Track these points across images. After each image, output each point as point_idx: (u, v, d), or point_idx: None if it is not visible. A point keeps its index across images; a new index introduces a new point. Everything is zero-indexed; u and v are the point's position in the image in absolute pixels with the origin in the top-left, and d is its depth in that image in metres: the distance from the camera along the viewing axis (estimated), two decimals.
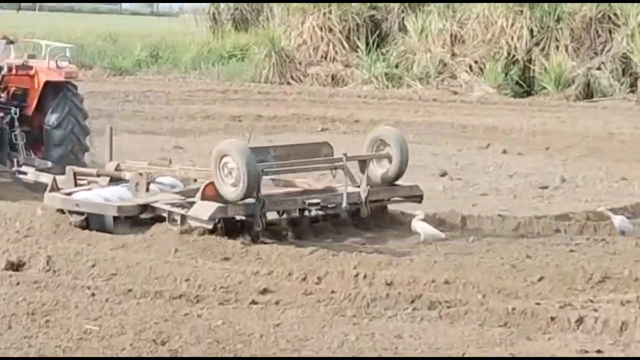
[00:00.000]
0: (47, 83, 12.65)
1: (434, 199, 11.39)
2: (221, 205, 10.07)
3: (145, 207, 10.40)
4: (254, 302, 7.62)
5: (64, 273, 8.33)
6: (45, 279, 8.10)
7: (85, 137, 13.05)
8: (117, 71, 30.10)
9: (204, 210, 9.98)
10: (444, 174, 13.81)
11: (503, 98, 27.08)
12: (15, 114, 12.65)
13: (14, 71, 12.84)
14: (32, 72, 12.85)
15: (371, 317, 7.39)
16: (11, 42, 13.65)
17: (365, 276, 8.35)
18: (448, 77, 28.61)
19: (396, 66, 28.98)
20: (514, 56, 28.38)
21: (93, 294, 7.64)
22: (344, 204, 10.46)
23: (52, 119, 12.69)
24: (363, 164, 10.93)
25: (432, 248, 9.72)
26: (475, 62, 28.59)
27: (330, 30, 29.72)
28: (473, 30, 28.93)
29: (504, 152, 16.83)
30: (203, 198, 10.18)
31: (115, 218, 10.41)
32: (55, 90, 12.76)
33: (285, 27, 30.43)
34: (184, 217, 9.91)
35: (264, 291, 7.89)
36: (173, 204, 10.30)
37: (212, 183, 10.25)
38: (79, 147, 12.85)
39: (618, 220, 10.20)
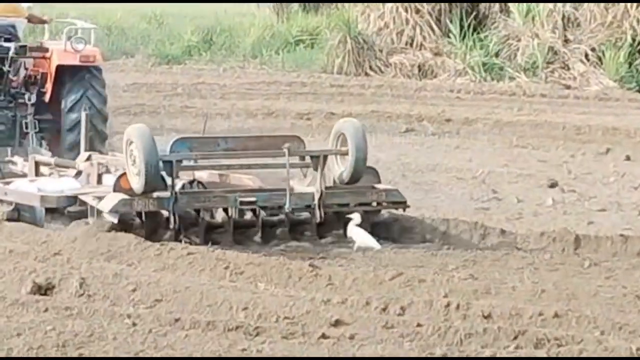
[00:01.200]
0: (60, 67, 13.14)
1: (541, 215, 11.35)
2: (126, 197, 10.63)
3: (75, 199, 10.98)
4: (324, 336, 7.61)
5: (100, 298, 8.40)
6: (78, 305, 8.16)
7: (103, 123, 13.39)
8: (163, 59, 30.21)
9: (108, 203, 10.52)
10: (553, 185, 13.71)
11: (626, 93, 26.86)
12: (29, 99, 13.18)
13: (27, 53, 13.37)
14: (48, 54, 13.32)
15: (465, 355, 7.39)
16: (44, 22, 14.16)
17: (458, 307, 8.32)
18: (559, 68, 28.45)
19: (496, 55, 28.91)
20: (639, 43, 28.15)
21: (134, 324, 7.69)
22: (287, 206, 10.98)
23: (66, 103, 13.19)
24: (316, 160, 11.31)
25: (538, 274, 9.66)
26: (593, 50, 28.42)
27: (418, 11, 29.70)
28: (590, 12, 28.75)
29: (627, 158, 16.66)
30: (116, 190, 10.71)
31: (47, 211, 11.12)
32: (70, 74, 13.22)
33: (364, 7, 30.46)
34: (99, 211, 10.57)
35: (337, 323, 7.87)
36: (96, 197, 10.77)
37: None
38: (94, 133, 12.97)
39: None
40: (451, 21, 29.56)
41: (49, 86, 13.32)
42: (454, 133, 19.06)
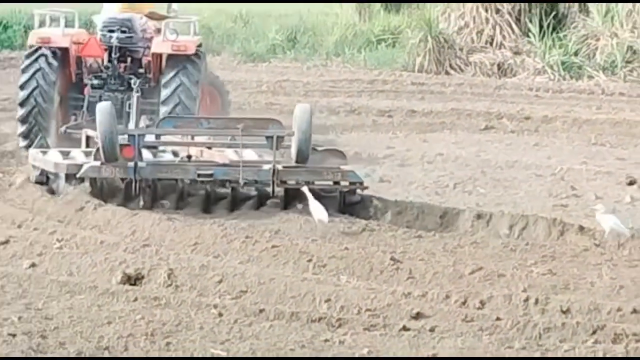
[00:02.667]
0: (156, 55, 14.09)
1: (619, 212, 11.19)
2: (94, 164, 11.75)
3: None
4: (405, 329, 7.61)
5: (187, 289, 8.46)
6: (166, 295, 8.24)
7: (192, 102, 14.02)
8: (248, 57, 30.27)
9: (81, 169, 11.84)
10: (632, 183, 13.53)
11: None
12: (135, 83, 13.56)
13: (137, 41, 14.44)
14: (150, 44, 14.20)
15: (544, 349, 7.33)
16: (164, 18, 14.82)
17: (537, 301, 8.27)
18: (638, 67, 28.16)
19: (575, 53, 28.66)
20: None
21: (220, 314, 7.76)
22: (241, 180, 11.80)
23: (160, 86, 14.10)
24: (270, 141, 12.03)
25: (617, 271, 9.56)
26: None
27: (498, 11, 29.57)
28: None
29: None
30: (96, 158, 11.82)
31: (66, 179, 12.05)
32: (166, 61, 14.05)
33: (445, 7, 30.36)
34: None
35: (417, 316, 7.87)
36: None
37: None
38: (183, 110, 13.85)
39: None
40: (530, 21, 29.37)
41: (151, 73, 14.16)
42: (532, 131, 18.92)
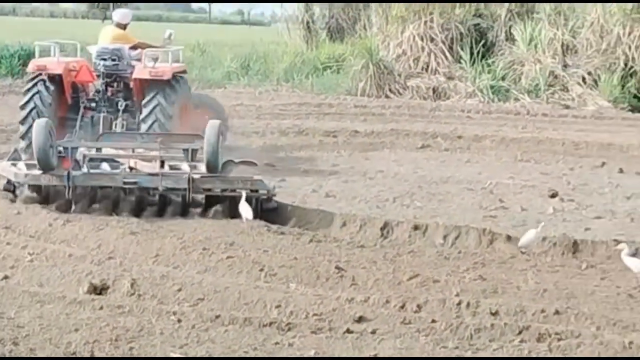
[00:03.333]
0: (137, 80, 14.26)
1: (543, 222, 11.26)
2: (34, 173, 12.34)
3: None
4: (348, 331, 7.61)
5: (149, 297, 8.40)
6: (129, 303, 8.17)
7: (167, 120, 14.15)
8: (205, 83, 30.09)
9: (23, 177, 12.49)
10: (554, 195, 13.65)
11: (619, 113, 26.79)
12: (120, 105, 14.39)
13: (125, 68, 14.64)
14: (133, 69, 14.39)
15: (475, 349, 7.36)
16: (151, 47, 15.16)
17: (468, 305, 8.30)
18: (559, 90, 28.41)
19: (502, 78, 28.87)
20: (631, 67, 28.08)
21: (179, 320, 7.72)
22: (160, 187, 12.17)
23: (141, 107, 14.25)
24: (186, 153, 12.57)
25: (540, 275, 9.63)
26: (589, 73, 28.36)
27: (432, 39, 29.73)
28: (586, 40, 28.71)
29: (621, 171, 16.59)
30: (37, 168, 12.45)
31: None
32: (145, 86, 14.14)
33: (384, 36, 30.50)
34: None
35: (360, 319, 7.87)
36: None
37: None
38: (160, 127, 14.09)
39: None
40: (462, 48, 29.60)
41: (134, 96, 14.44)
42: (464, 149, 19.04)
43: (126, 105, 14.35)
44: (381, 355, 7.13)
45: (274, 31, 38.38)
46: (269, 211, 11.94)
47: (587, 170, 16.49)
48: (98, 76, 14.57)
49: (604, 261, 10.14)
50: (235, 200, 11.93)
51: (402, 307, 8.24)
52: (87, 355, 6.94)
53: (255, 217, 11.55)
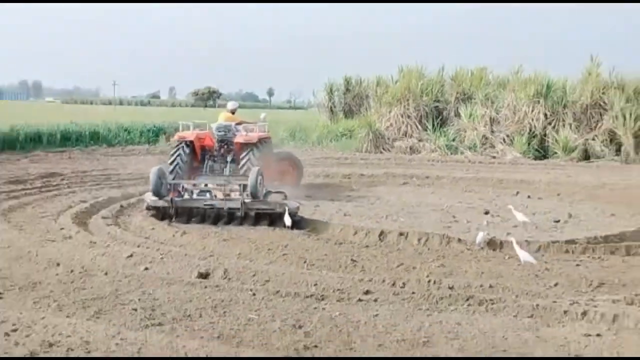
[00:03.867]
0: (237, 144, 14.33)
1: (480, 230, 11.21)
2: (154, 199, 12.77)
3: None
4: (360, 300, 7.62)
5: (234, 280, 8.43)
6: (222, 284, 8.21)
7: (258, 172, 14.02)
8: None
9: (148, 201, 12.91)
10: (487, 212, 13.61)
11: (527, 160, 26.66)
12: (229, 159, 14.56)
13: (237, 136, 14.56)
14: (235, 137, 14.48)
15: (439, 310, 7.33)
16: (249, 123, 15.54)
17: (434, 282, 8.29)
18: (488, 147, 28.29)
19: (453, 140, 28.78)
20: (534, 132, 27.95)
21: (254, 294, 7.73)
22: (225, 207, 12.43)
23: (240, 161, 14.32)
24: (240, 186, 12.62)
25: (479, 263, 9.58)
26: (507, 136, 28.23)
27: (408, 116, 29.69)
28: (505, 115, 28.60)
29: (528, 197, 16.52)
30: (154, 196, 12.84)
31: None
32: (243, 147, 14.22)
33: (378, 115, 30.51)
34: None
35: (367, 292, 7.88)
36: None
37: None
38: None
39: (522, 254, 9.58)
40: (427, 122, 29.53)
41: (239, 153, 14.31)
42: (430, 184, 18.99)
43: (232, 159, 14.44)
44: (380, 314, 7.11)
45: (311, 113, 38.40)
46: (295, 222, 11.89)
47: (507, 197, 16.40)
48: (216, 141, 14.70)
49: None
50: (272, 216, 12.20)
51: (393, 284, 8.23)
52: (197, 316, 6.96)
53: (287, 225, 11.70)
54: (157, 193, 12.69)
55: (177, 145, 14.54)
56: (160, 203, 12.73)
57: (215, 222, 12.40)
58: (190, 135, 14.52)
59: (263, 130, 15.20)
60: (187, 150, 14.35)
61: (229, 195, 12.84)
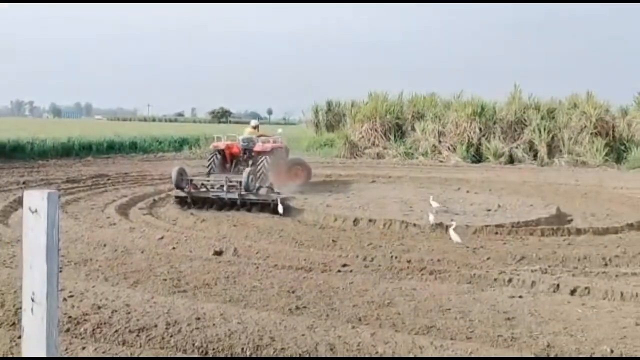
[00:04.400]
0: (254, 152, 14.61)
1: (431, 213, 11.22)
2: (177, 192, 12.97)
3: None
4: (339, 271, 7.61)
5: (243, 256, 8.38)
6: (233, 259, 8.17)
7: (266, 173, 14.21)
8: None
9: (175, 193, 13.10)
10: (432, 208, 13.61)
11: (466, 164, 26.77)
12: (250, 163, 14.52)
13: (256, 146, 14.74)
14: (255, 147, 14.72)
15: (400, 279, 7.34)
16: (268, 136, 15.81)
17: (396, 257, 8.31)
18: (437, 153, 28.39)
19: (410, 148, 28.86)
20: (471, 142, 28.08)
21: (257, 267, 7.70)
22: (226, 198, 12.59)
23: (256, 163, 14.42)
24: (238, 182, 12.63)
25: (430, 242, 9.58)
26: (451, 145, 28.35)
27: (376, 130, 29.71)
28: (449, 129, 28.72)
29: (467, 192, 16.56)
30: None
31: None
32: (258, 154, 14.51)
33: (353, 129, 30.54)
34: None
35: (344, 265, 7.87)
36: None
37: None
38: (265, 177, 14.18)
39: (452, 234, 9.62)
40: (390, 134, 29.59)
41: (257, 159, 14.46)
42: (392, 182, 18.99)
43: (253, 162, 14.46)
44: (354, 282, 7.11)
45: (301, 127, 38.20)
46: (285, 210, 12.09)
47: (451, 192, 16.45)
48: (241, 150, 14.92)
49: (464, 235, 10.11)
50: (262, 205, 12.39)
51: (364, 259, 8.23)
52: (213, 284, 6.92)
53: (280, 213, 11.89)
54: (178, 186, 12.93)
55: (212, 152, 14.99)
56: (182, 194, 12.91)
57: (221, 207, 12.64)
58: (222, 145, 14.94)
59: (277, 142, 15.36)
60: (219, 156, 14.76)
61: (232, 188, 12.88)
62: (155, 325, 5.25)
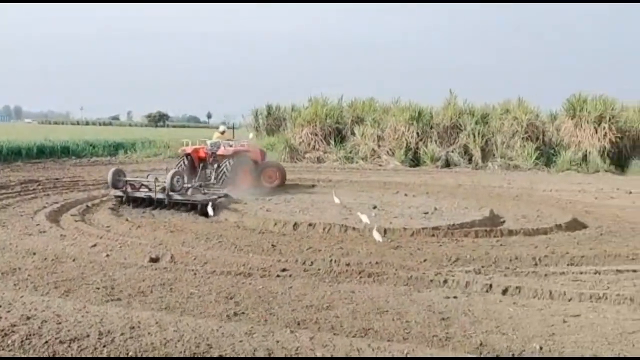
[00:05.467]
0: (218, 155, 15.56)
1: (372, 220, 11.36)
2: (114, 191, 13.67)
3: None
4: (278, 276, 7.58)
5: (179, 263, 8.24)
6: (169, 266, 8.01)
7: (231, 174, 15.24)
8: None
9: (113, 193, 13.75)
10: (374, 207, 13.77)
11: (405, 167, 27.27)
12: (215, 166, 15.48)
13: (219, 150, 15.69)
14: (218, 151, 15.65)
15: (339, 282, 7.39)
16: (231, 140, 16.73)
17: (335, 261, 8.34)
18: (376, 158, 28.80)
19: (350, 152, 29.17)
20: (409, 146, 28.64)
21: (195, 274, 7.58)
22: (154, 197, 13.11)
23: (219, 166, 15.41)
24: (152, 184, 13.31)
25: (369, 246, 9.66)
26: (390, 149, 28.83)
27: (316, 134, 29.92)
28: (388, 133, 29.20)
29: (405, 195, 16.83)
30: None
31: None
32: (222, 157, 15.46)
33: (293, 133, 30.60)
34: None
35: (283, 270, 7.84)
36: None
37: None
38: (227, 179, 15.13)
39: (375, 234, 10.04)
40: (331, 138, 29.81)
41: (220, 162, 15.44)
42: (332, 186, 19.08)
43: (217, 166, 15.34)
44: (293, 286, 7.11)
45: (241, 131, 37.83)
46: (214, 211, 12.40)
47: (389, 195, 16.69)
48: (209, 153, 15.69)
49: (398, 238, 10.29)
50: (188, 205, 12.89)
51: (304, 263, 8.24)
52: (148, 292, 6.78)
53: (210, 215, 12.25)
54: (115, 186, 13.58)
55: (181, 157, 16.01)
56: (119, 193, 13.58)
57: (148, 205, 13.18)
58: (189, 149, 15.85)
59: (244, 146, 16.22)
60: (187, 160, 15.66)
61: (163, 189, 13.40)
62: (88, 336, 5.10)
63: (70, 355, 4.75)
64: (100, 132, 47.09)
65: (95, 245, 9.06)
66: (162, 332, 5.11)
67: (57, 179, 19.05)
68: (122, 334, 5.10)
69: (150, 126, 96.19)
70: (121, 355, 4.73)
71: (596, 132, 26.94)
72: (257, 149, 17.28)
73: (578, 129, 27.45)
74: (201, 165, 15.69)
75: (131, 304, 6.32)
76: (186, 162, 15.59)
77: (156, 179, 13.49)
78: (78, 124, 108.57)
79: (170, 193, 13.02)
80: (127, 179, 13.80)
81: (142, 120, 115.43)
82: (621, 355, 5.15)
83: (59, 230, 10.53)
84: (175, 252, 8.65)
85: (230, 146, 15.71)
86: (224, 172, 14.95)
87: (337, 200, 13.31)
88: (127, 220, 11.71)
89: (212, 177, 15.35)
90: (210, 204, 12.45)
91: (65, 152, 28.17)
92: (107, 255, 8.56)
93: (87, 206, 13.39)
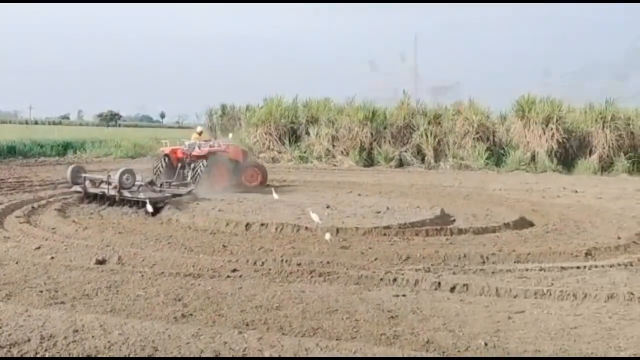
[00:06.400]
0: (193, 155, 15.95)
1: (322, 219, 11.37)
2: (75, 188, 14.03)
3: None
4: (228, 276, 7.53)
5: (127, 265, 8.08)
6: (117, 268, 7.85)
7: (206, 173, 15.49)
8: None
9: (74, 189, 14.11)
10: (328, 206, 13.75)
11: (359, 167, 27.44)
12: (192, 166, 15.78)
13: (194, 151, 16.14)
14: (194, 152, 16.01)
15: (289, 282, 7.39)
16: (208, 140, 17.40)
17: (286, 261, 8.33)
18: (331, 158, 28.90)
19: (304, 152, 29.16)
20: (363, 146, 28.84)
21: (142, 275, 7.46)
22: (107, 194, 13.30)
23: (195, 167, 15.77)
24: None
25: (320, 245, 9.66)
26: (344, 149, 28.97)
27: (271, 134, 29.80)
28: (342, 133, 29.32)
29: (359, 194, 16.89)
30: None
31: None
32: (198, 158, 15.84)
33: (248, 133, 30.41)
34: None
35: (234, 270, 7.79)
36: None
37: None
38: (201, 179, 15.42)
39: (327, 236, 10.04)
40: (285, 138, 29.76)
41: (197, 162, 15.71)
42: (287, 186, 19.06)
43: (194, 166, 15.67)
44: (243, 287, 7.06)
45: (195, 131, 37.33)
46: (156, 210, 12.54)
47: (343, 195, 16.73)
48: (185, 154, 16.11)
49: (350, 237, 10.33)
50: (138, 203, 12.97)
51: (255, 263, 8.20)
52: (94, 295, 6.62)
53: (154, 213, 12.36)
54: (74, 183, 13.92)
55: (160, 157, 16.43)
56: (78, 189, 13.92)
57: (104, 202, 13.41)
58: (167, 150, 16.40)
59: (222, 146, 16.55)
60: (166, 160, 16.14)
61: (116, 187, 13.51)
62: (29, 340, 4.94)
63: None
64: (49, 132, 45.76)
65: (39, 248, 8.81)
66: (106, 336, 5.00)
67: (2, 179, 18.41)
68: (65, 337, 4.96)
69: (101, 125, 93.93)
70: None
71: (544, 133, 27.71)
72: (238, 149, 17.49)
73: (527, 130, 28.17)
74: (179, 165, 16.13)
75: (75, 307, 6.16)
76: (165, 163, 16.11)
77: (108, 176, 13.57)
78: (26, 123, 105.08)
79: (121, 190, 13.17)
80: (86, 175, 14.21)
81: (94, 120, 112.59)
82: (563, 349, 5.30)
83: (2, 232, 10.20)
84: (123, 254, 8.47)
85: (206, 147, 16.14)
86: (198, 172, 15.35)
87: (275, 197, 14.10)
88: (74, 221, 11.42)
89: (189, 177, 15.71)
90: (148, 201, 12.61)
91: (11, 152, 27.21)
92: (52, 258, 8.32)
93: (33, 207, 12.98)
